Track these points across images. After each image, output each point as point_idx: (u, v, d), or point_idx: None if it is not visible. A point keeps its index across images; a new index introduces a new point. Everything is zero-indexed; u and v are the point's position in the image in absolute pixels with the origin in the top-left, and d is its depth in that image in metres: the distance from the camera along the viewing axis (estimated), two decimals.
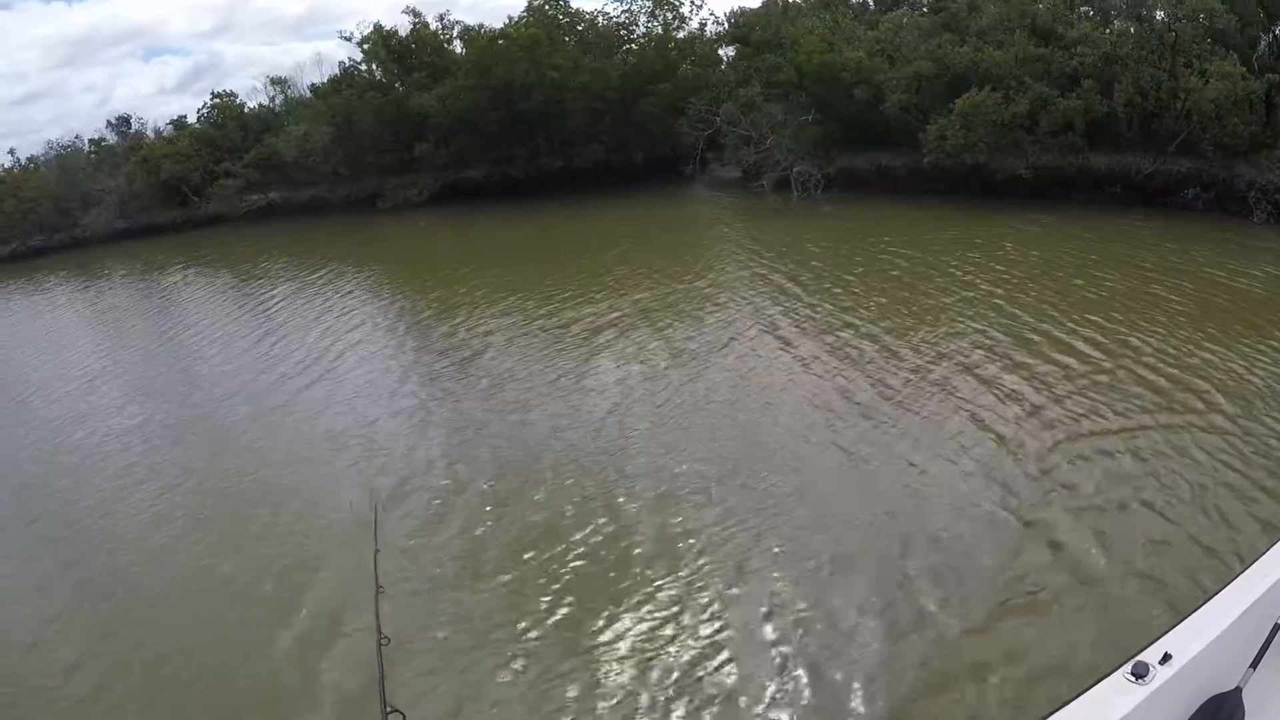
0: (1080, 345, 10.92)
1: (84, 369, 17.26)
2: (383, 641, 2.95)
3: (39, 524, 9.69)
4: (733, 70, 29.84)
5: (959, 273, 15.35)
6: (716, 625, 6.20)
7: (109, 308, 25.29)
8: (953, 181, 22.59)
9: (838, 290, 15.21)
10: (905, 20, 26.60)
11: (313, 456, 10.46)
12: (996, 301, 13.38)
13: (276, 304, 20.46)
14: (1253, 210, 16.67)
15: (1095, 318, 11.88)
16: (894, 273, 16.05)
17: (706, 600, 6.51)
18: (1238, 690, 2.16)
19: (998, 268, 15.36)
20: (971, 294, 13.96)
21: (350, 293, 20.96)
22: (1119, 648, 5.32)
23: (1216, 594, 2.37)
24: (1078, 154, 20.70)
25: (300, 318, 18.67)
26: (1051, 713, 2.01)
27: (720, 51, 32.13)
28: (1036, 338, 11.43)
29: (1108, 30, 21.19)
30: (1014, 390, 9.81)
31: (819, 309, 14.23)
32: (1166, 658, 2.10)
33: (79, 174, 41.13)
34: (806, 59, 26.15)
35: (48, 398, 15.39)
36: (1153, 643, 2.16)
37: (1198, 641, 2.18)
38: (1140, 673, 2.06)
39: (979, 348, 11.30)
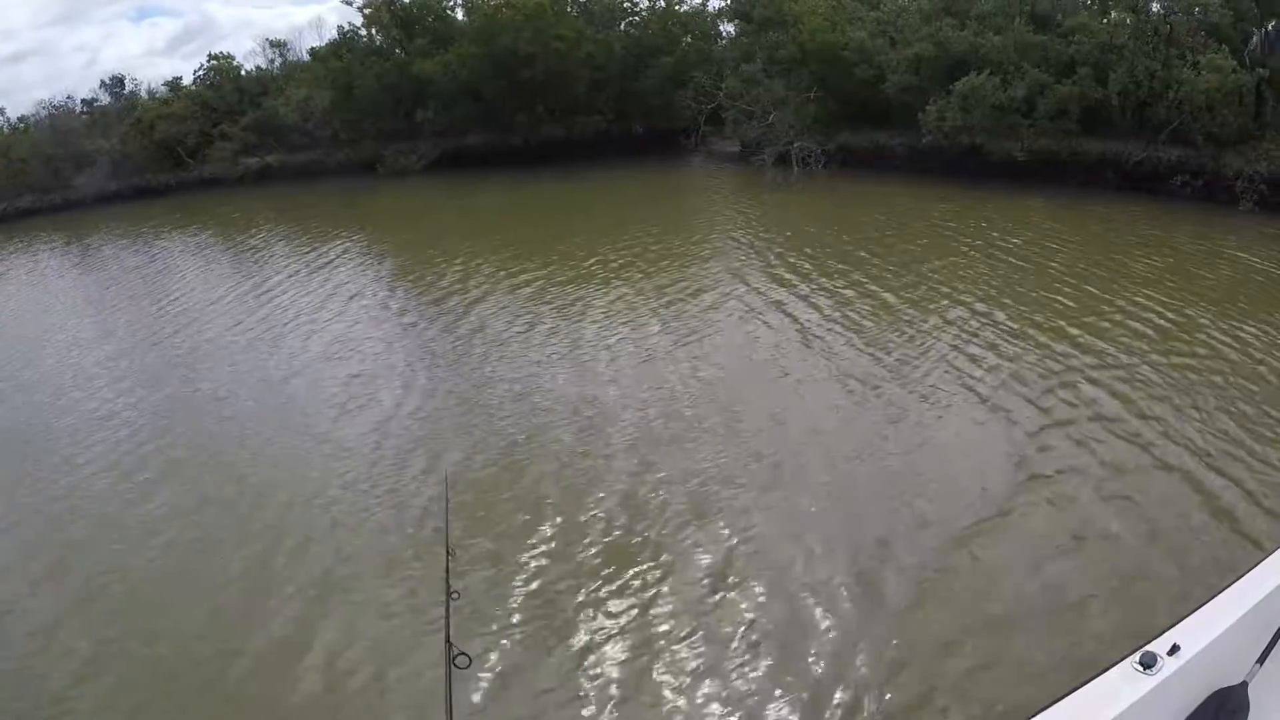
0: (1153, 319, 11.66)
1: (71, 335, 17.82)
2: (452, 596, 3.40)
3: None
4: (735, 46, 30.14)
5: (1016, 243, 16.25)
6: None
7: (120, 270, 25.46)
8: (949, 161, 23.07)
9: (901, 256, 16.12)
10: (907, 2, 26.97)
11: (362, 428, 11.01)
12: (1052, 270, 14.25)
13: (281, 277, 20.52)
14: (1239, 199, 17.40)
15: (1154, 294, 12.64)
16: (923, 240, 17.11)
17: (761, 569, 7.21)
18: (1243, 685, 2.20)
19: (1049, 243, 16.11)
20: (1029, 266, 14.76)
21: (358, 258, 21.43)
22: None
23: (1226, 588, 2.39)
24: (1072, 139, 21.26)
25: (314, 288, 18.99)
26: (1060, 698, 2.05)
27: (722, 27, 32.46)
28: (1109, 309, 12.17)
29: (1105, 20, 21.74)
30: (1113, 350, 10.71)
31: (887, 269, 15.14)
32: (1175, 649, 2.14)
33: (71, 134, 40.67)
34: (809, 37, 26.52)
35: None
36: (1162, 634, 2.18)
37: (1206, 634, 2.21)
38: (1148, 663, 2.10)
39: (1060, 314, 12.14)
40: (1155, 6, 20.25)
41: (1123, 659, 2.14)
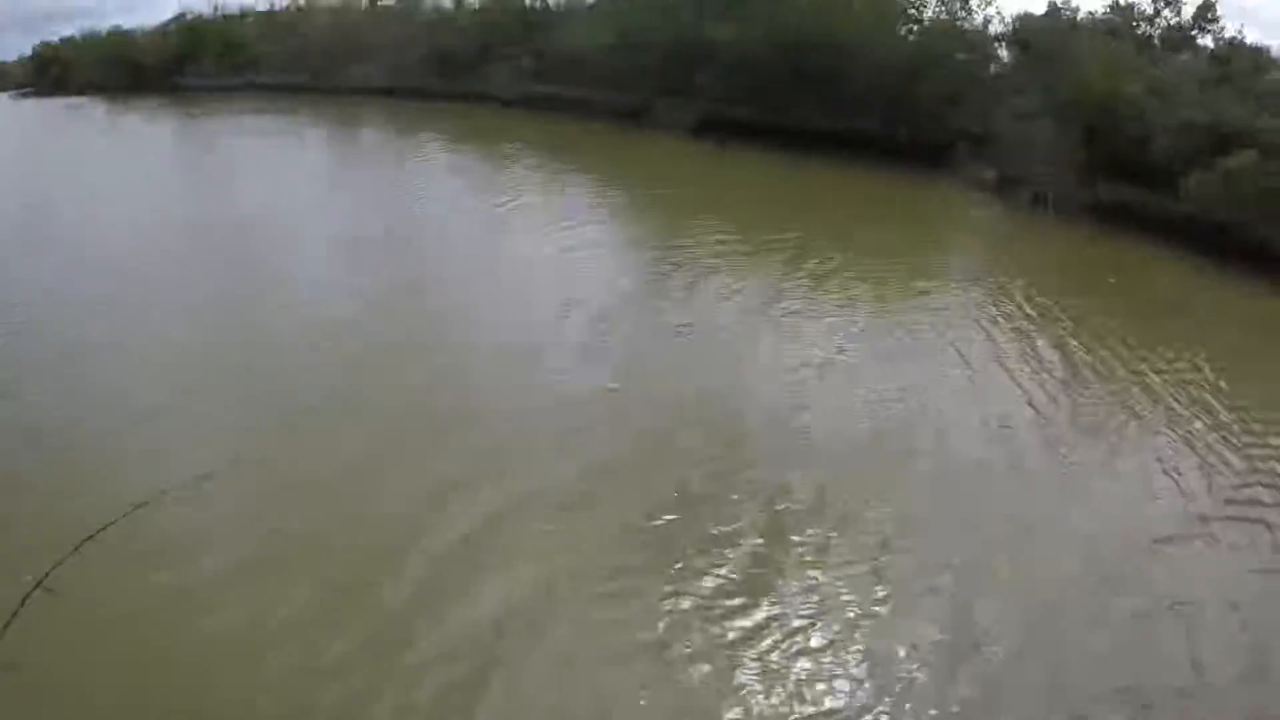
0: None
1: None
2: None
3: None
4: (1011, 74, 32.03)
5: None
6: None
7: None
8: (1202, 237, 24.42)
9: None
10: (1188, 64, 28.67)
11: None
12: None
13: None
14: None
15: None
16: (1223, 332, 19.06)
17: None
18: None
19: None
20: None
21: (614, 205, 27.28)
22: None
23: None
24: None
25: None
26: None
27: (999, 52, 33.97)
28: None
29: None
30: None
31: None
32: None
33: (354, 29, 44.74)
34: (1088, 80, 28.27)
35: None
36: None
37: None
38: None
39: None
40: None
41: None
